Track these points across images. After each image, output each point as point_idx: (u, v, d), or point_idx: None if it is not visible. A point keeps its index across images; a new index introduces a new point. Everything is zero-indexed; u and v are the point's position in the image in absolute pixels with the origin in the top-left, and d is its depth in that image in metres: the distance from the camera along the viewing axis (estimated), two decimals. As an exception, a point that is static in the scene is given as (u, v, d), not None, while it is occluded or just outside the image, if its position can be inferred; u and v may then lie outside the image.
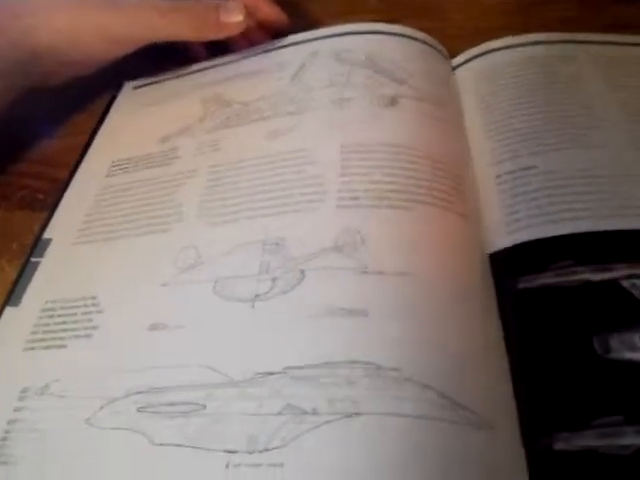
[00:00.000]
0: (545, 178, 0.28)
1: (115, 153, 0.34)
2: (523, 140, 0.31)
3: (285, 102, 0.34)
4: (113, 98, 0.39)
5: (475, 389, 0.21)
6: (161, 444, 0.21)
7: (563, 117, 0.31)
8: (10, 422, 0.23)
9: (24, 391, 0.24)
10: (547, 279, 0.24)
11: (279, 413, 0.20)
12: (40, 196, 0.34)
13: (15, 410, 0.23)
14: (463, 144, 0.32)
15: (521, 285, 0.25)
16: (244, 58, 0.38)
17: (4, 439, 0.22)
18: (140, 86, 0.39)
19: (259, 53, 0.38)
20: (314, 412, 0.20)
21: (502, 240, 0.27)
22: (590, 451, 0.20)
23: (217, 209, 0.29)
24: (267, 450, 0.19)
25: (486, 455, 0.20)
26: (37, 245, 0.30)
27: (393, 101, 0.32)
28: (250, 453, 0.19)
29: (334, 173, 0.28)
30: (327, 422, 0.20)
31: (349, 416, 0.20)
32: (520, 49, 0.35)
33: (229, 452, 0.20)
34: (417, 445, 0.19)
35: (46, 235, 0.31)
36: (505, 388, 0.22)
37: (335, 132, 0.30)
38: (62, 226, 0.31)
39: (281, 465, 0.19)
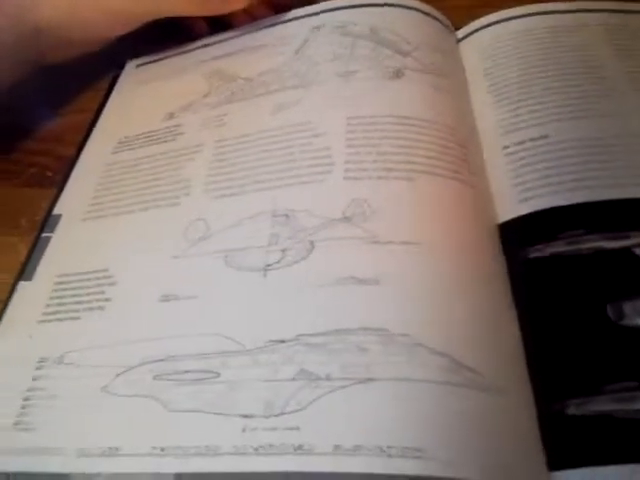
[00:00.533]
0: (555, 148, 0.28)
1: (121, 130, 0.35)
2: (532, 111, 0.30)
3: (289, 76, 0.33)
4: (117, 76, 0.39)
5: (486, 354, 0.21)
6: (176, 410, 0.21)
7: (572, 86, 0.31)
8: (29, 390, 0.23)
9: (41, 361, 0.24)
10: (558, 248, 0.24)
11: (293, 379, 0.20)
12: (49, 173, 0.34)
13: (34, 379, 0.24)
14: (469, 115, 0.32)
15: (532, 254, 0.25)
16: (247, 33, 0.38)
17: (24, 407, 0.23)
18: (143, 64, 0.39)
19: (262, 28, 0.37)
20: (328, 378, 0.20)
21: (512, 210, 0.27)
22: (604, 416, 0.20)
23: (224, 182, 0.29)
24: (283, 414, 0.20)
25: (498, 420, 0.20)
26: (47, 221, 0.30)
27: (398, 73, 0.32)
28: (267, 417, 0.20)
29: (341, 145, 0.28)
30: (341, 387, 0.20)
31: (362, 382, 0.20)
32: (527, 19, 0.34)
33: (245, 417, 0.20)
34: (429, 409, 0.20)
35: (56, 211, 0.31)
36: (516, 354, 0.22)
37: (341, 105, 0.30)
38: (71, 202, 0.31)
39: (297, 428, 0.19)
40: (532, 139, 0.29)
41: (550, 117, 0.30)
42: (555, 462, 0.19)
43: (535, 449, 0.20)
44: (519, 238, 0.26)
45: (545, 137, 0.29)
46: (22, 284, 0.28)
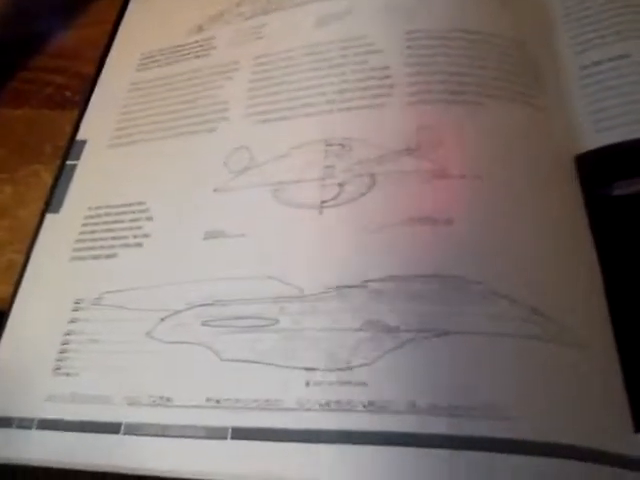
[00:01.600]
0: (639, 69, 0.25)
1: (143, 45, 0.31)
2: (611, 25, 0.27)
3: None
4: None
5: (568, 304, 0.19)
6: (231, 359, 0.19)
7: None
8: (68, 333, 0.22)
9: (78, 302, 0.22)
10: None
11: (359, 329, 0.19)
12: (67, 93, 0.31)
13: (71, 321, 0.22)
14: (542, 30, 0.28)
15: (616, 192, 0.22)
16: None
17: (64, 351, 0.21)
18: (165, -34, 0.35)
19: None
20: (398, 329, 0.18)
21: (590, 140, 0.24)
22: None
23: (267, 106, 0.26)
24: (350, 368, 0.18)
25: (582, 377, 0.18)
26: (72, 147, 0.28)
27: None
28: (331, 371, 0.18)
29: (400, 63, 0.25)
30: (411, 340, 0.18)
31: (437, 335, 0.18)
32: None
33: (308, 370, 0.18)
34: (508, 366, 0.18)
35: (80, 136, 0.28)
36: (599, 303, 0.20)
37: (398, 16, 0.27)
38: (96, 126, 0.28)
39: (366, 384, 0.18)
40: (611, 59, 0.26)
41: (632, 32, 0.26)
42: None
43: (621, 409, 0.18)
44: (599, 173, 0.23)
45: (627, 56, 0.26)
46: (50, 217, 0.26)
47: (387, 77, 0.25)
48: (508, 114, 0.24)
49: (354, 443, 0.17)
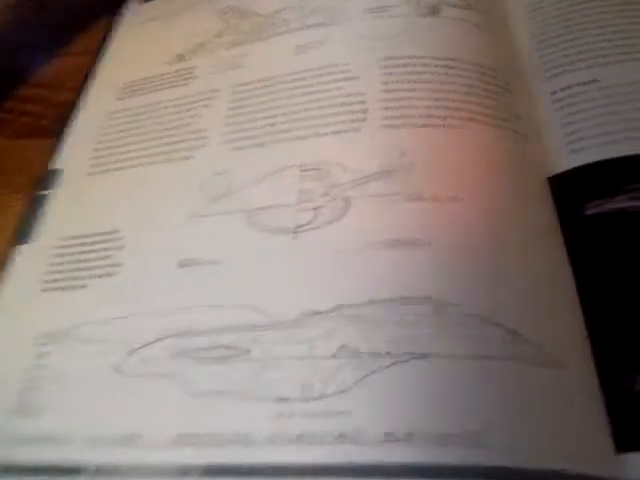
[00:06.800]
0: (608, 93, 0.25)
1: (125, 74, 0.31)
2: (580, 52, 0.27)
3: (313, 12, 0.30)
4: (119, 14, 0.36)
5: (544, 324, 0.19)
6: (201, 392, 0.19)
7: (626, 24, 0.27)
8: (33, 369, 0.21)
9: (45, 336, 0.22)
10: (621, 203, 0.22)
11: (333, 356, 0.18)
12: (44, 122, 0.31)
13: (37, 357, 0.21)
14: (513, 56, 0.28)
15: (589, 211, 0.22)
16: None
17: (28, 388, 0.20)
18: (148, -1, 0.36)
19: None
20: (373, 355, 0.18)
21: (563, 162, 0.24)
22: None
23: (244, 132, 0.26)
24: (324, 397, 0.17)
25: (560, 398, 0.18)
26: (47, 177, 0.27)
27: (435, 9, 0.29)
28: (305, 401, 0.17)
29: (375, 89, 0.25)
30: (387, 366, 0.17)
31: (414, 359, 0.17)
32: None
33: (280, 400, 0.17)
34: (486, 390, 0.17)
35: (56, 166, 0.28)
36: (577, 323, 0.19)
37: (373, 44, 0.27)
38: (73, 155, 0.28)
39: (341, 414, 0.17)
40: (580, 83, 0.26)
41: (600, 59, 0.26)
42: (624, 443, 0.17)
43: (601, 430, 0.17)
44: (573, 193, 0.23)
45: (595, 82, 0.26)
46: (20, 248, 0.25)
47: (362, 102, 0.25)
48: (482, 137, 0.24)
49: (328, 476, 0.16)
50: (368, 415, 0.17)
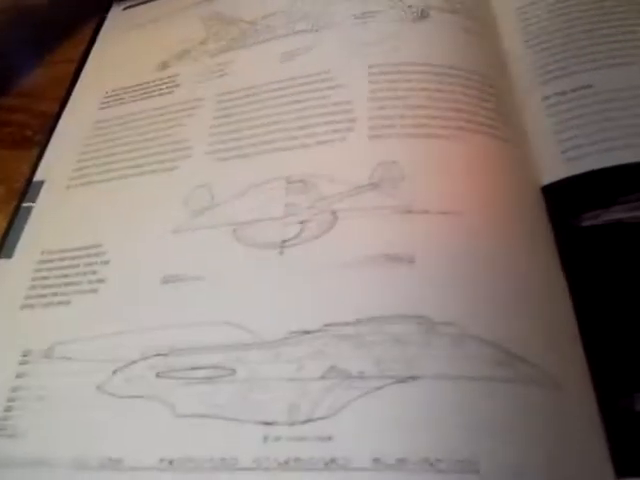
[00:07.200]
0: (603, 99, 0.24)
1: (108, 83, 0.31)
2: (572, 56, 0.27)
3: (299, 18, 0.29)
4: (101, 21, 0.35)
5: (540, 343, 0.18)
6: (185, 415, 0.18)
7: (619, 27, 0.27)
8: (13, 390, 0.20)
9: (26, 354, 0.21)
10: (619, 214, 0.21)
11: (322, 377, 0.18)
12: (28, 133, 0.30)
13: (18, 376, 0.21)
14: (503, 62, 0.28)
15: (585, 222, 0.21)
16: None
17: (8, 409, 0.20)
18: (131, 6, 0.35)
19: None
20: (362, 376, 0.17)
21: (557, 171, 0.23)
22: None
23: (229, 143, 0.25)
24: (311, 420, 0.17)
25: (558, 421, 0.17)
26: (28, 188, 0.27)
27: (423, 14, 0.28)
28: (291, 425, 0.17)
29: (363, 98, 0.25)
30: (377, 387, 0.17)
31: (404, 380, 0.17)
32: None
33: (266, 424, 0.17)
34: (481, 413, 0.17)
35: (38, 177, 0.27)
36: (573, 342, 0.19)
37: (360, 51, 0.27)
38: (55, 166, 0.28)
39: (328, 438, 0.16)
40: (574, 89, 0.26)
41: (593, 64, 0.26)
42: (624, 467, 0.17)
43: (600, 453, 0.17)
44: (568, 203, 0.22)
45: (589, 87, 0.25)
46: (1, 262, 0.24)
47: (349, 111, 0.24)
48: (472, 147, 0.23)
49: (315, 504, 0.16)
50: (356, 440, 0.16)
